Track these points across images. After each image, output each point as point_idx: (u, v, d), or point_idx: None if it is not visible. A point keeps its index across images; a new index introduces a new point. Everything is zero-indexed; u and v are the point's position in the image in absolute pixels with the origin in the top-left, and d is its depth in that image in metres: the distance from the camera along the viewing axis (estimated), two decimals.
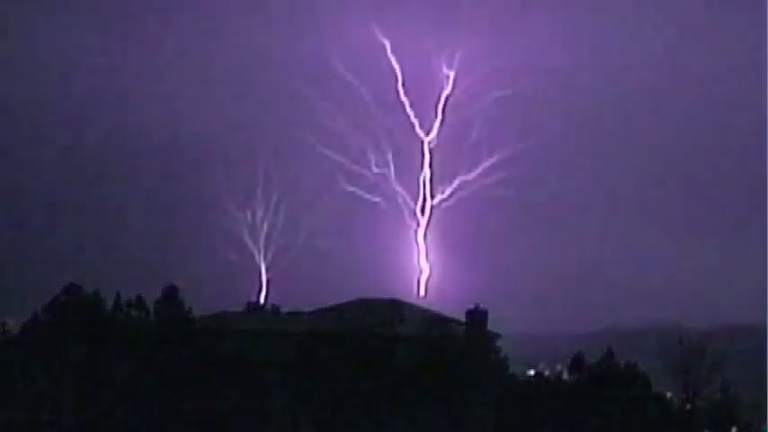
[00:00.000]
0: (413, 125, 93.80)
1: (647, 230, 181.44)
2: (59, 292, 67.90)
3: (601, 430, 74.97)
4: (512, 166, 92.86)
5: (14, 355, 67.18)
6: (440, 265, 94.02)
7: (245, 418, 65.15)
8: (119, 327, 67.08)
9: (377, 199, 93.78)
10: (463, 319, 71.29)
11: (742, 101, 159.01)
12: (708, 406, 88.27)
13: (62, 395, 64.66)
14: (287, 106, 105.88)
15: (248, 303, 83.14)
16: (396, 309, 72.83)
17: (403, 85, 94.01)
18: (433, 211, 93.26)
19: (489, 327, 71.56)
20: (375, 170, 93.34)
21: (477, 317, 70.81)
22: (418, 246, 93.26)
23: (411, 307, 75.61)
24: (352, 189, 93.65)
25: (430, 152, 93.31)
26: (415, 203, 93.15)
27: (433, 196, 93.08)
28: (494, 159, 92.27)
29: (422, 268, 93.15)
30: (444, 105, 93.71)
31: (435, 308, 76.40)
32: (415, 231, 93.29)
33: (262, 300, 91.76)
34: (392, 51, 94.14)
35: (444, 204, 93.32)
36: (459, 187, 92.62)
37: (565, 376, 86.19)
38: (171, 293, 68.90)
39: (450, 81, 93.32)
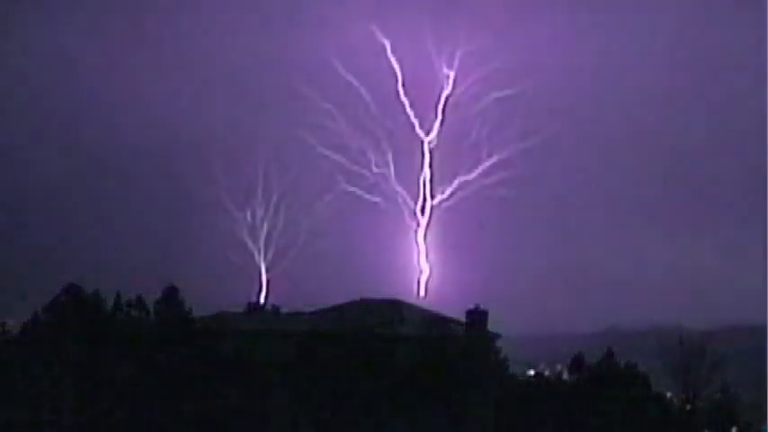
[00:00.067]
0: (413, 125, 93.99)
1: (647, 230, 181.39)
2: (59, 292, 67.93)
3: (601, 430, 75.01)
4: (512, 166, 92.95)
5: (14, 355, 67.20)
6: (440, 265, 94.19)
7: (245, 418, 65.17)
8: (119, 327, 67.11)
9: (377, 199, 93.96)
10: (463, 319, 71.31)
11: (742, 101, 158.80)
12: (708, 406, 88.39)
13: (62, 395, 64.68)
14: (287, 106, 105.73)
15: (248, 303, 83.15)
16: (396, 309, 72.84)
17: (403, 85, 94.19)
18: (433, 211, 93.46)
19: (489, 327, 71.56)
20: (375, 170, 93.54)
21: (477, 317, 70.83)
22: (418, 246, 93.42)
23: (411, 307, 75.61)
24: (352, 189, 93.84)
25: (430, 152, 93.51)
26: (415, 203, 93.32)
27: (433, 196, 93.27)
28: (494, 159, 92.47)
29: (422, 268, 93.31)
30: (444, 105, 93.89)
31: (435, 308, 76.42)
32: (415, 231, 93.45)
33: (262, 300, 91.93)
34: (392, 51, 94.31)
35: (444, 204, 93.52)
36: (459, 187, 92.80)
37: (565, 376, 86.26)
38: (171, 293, 68.94)
39: (451, 81, 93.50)
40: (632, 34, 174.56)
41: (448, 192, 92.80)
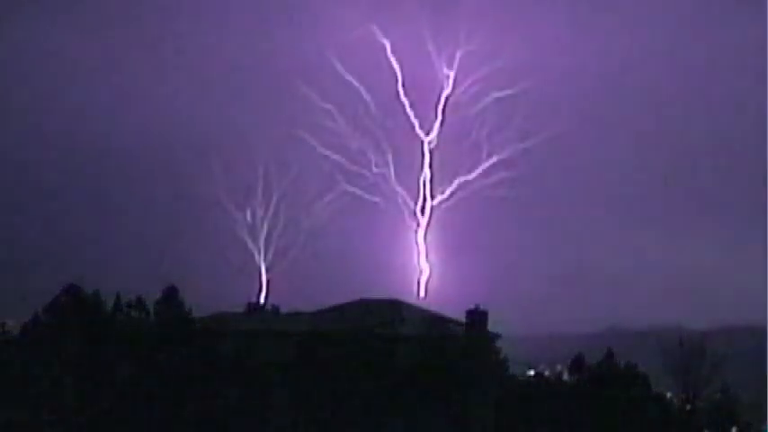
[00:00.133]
0: (413, 125, 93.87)
1: (647, 230, 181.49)
2: (59, 293, 67.84)
3: (601, 430, 74.99)
4: (512, 166, 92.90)
5: (14, 355, 67.17)
6: (440, 265, 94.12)
7: (245, 418, 65.16)
8: (119, 327, 67.07)
9: (377, 199, 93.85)
10: (463, 319, 71.29)
11: (742, 101, 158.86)
12: (708, 406, 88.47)
13: (62, 395, 64.61)
14: (287, 106, 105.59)
15: (248, 303, 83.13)
16: (396, 309, 72.82)
17: (403, 85, 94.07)
18: (433, 211, 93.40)
19: (489, 327, 71.53)
20: (375, 170, 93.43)
21: (477, 317, 70.80)
22: (418, 246, 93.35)
23: (411, 307, 75.60)
24: (352, 189, 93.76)
25: (430, 152, 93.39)
26: (415, 204, 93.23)
27: (432, 196, 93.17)
28: (494, 159, 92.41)
29: (422, 268, 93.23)
30: (444, 106, 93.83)
31: (435, 308, 76.40)
32: (415, 231, 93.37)
33: (262, 300, 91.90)
34: (392, 51, 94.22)
35: (444, 205, 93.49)
36: (459, 187, 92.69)
37: (565, 377, 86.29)
38: (171, 294, 68.89)
39: (451, 81, 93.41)
40: (632, 34, 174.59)
41: (448, 192, 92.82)
